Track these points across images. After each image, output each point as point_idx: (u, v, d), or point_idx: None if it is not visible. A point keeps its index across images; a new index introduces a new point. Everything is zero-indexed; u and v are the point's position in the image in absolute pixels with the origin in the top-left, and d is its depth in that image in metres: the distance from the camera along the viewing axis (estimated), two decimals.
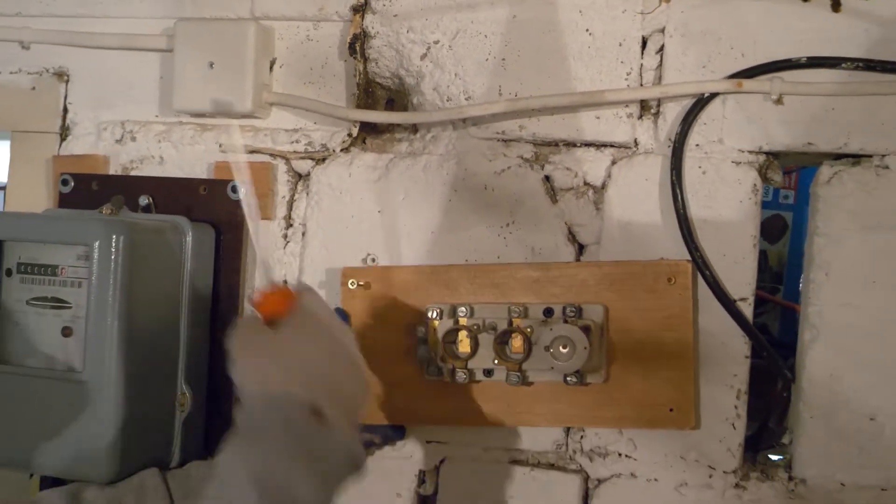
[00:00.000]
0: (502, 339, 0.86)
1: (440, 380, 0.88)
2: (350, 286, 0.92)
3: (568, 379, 0.84)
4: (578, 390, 0.85)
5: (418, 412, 0.91)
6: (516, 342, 0.85)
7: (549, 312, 0.86)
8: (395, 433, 0.93)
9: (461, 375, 0.87)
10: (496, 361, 0.86)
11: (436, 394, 0.90)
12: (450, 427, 0.93)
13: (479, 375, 0.87)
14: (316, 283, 0.97)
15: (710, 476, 0.87)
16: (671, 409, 0.85)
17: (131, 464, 0.84)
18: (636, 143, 0.90)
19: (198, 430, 0.93)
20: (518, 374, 0.85)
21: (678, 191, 0.87)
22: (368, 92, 0.98)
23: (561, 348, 0.82)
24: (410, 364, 0.90)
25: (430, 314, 0.88)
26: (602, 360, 0.85)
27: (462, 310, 0.87)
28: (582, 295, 0.86)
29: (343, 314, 0.91)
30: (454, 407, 0.90)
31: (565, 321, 0.84)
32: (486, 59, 0.92)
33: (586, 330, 0.83)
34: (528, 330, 0.85)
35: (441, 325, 0.87)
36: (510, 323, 0.86)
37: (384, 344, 0.91)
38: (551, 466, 0.92)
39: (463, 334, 0.87)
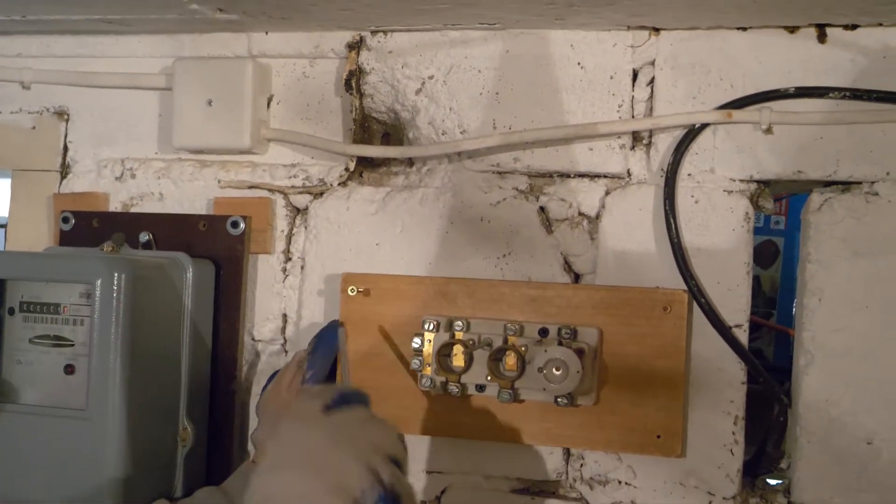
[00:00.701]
0: (496, 356, 0.86)
1: (433, 391, 0.89)
2: (350, 292, 0.92)
3: (559, 400, 0.84)
4: (568, 411, 0.86)
5: (410, 422, 0.91)
6: (510, 360, 0.86)
7: (544, 332, 0.86)
8: None
9: (453, 389, 0.87)
10: (489, 378, 0.87)
11: (428, 405, 0.91)
12: (450, 455, 0.94)
13: (472, 390, 0.88)
14: (314, 301, 0.98)
15: (710, 502, 0.88)
16: (658, 436, 0.86)
17: (134, 500, 0.84)
18: (629, 173, 0.91)
19: (199, 465, 0.93)
20: (510, 391, 0.86)
21: (671, 220, 0.88)
22: (364, 127, 0.99)
23: (554, 370, 0.82)
24: (405, 374, 0.90)
25: (426, 326, 0.88)
26: (593, 382, 0.86)
27: (458, 324, 0.88)
28: (577, 317, 0.87)
29: (335, 329, 0.91)
30: (446, 419, 0.91)
31: (560, 343, 0.85)
32: (480, 94, 0.93)
33: (580, 353, 0.83)
34: (523, 349, 0.86)
35: (437, 338, 0.88)
36: (505, 340, 0.87)
37: (380, 351, 0.92)
38: (552, 495, 0.92)
39: (458, 348, 0.87)
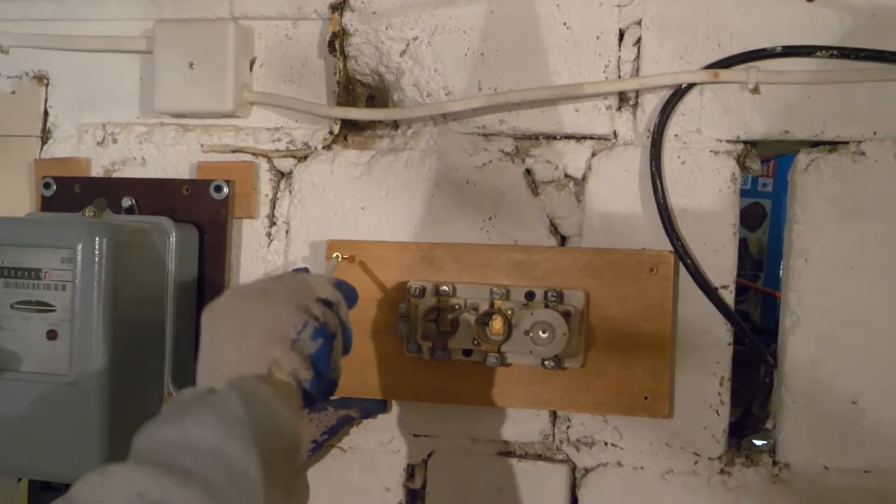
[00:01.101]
0: (483, 321, 0.86)
1: (419, 357, 0.88)
2: (334, 259, 0.91)
3: (546, 363, 0.83)
4: (555, 374, 0.86)
5: (397, 387, 0.91)
6: (496, 324, 0.85)
7: (530, 296, 0.86)
8: (375, 407, 0.93)
9: (440, 354, 0.87)
10: (476, 342, 0.86)
11: (415, 370, 0.90)
12: (437, 419, 0.93)
13: (458, 355, 0.87)
14: (299, 265, 0.96)
15: (696, 463, 0.88)
16: (646, 398, 0.85)
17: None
18: (615, 134, 0.90)
19: None
20: (497, 355, 0.85)
21: (658, 181, 0.87)
22: (349, 89, 0.97)
23: (541, 333, 0.82)
24: (391, 339, 0.90)
25: (412, 291, 0.87)
26: (580, 345, 0.85)
27: (445, 288, 0.87)
28: (564, 280, 0.86)
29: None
30: (432, 384, 0.90)
31: (546, 305, 0.84)
32: (465, 55, 0.92)
33: (566, 315, 0.83)
34: (509, 312, 0.85)
35: (423, 303, 0.87)
36: (492, 304, 0.86)
37: (366, 318, 0.91)
38: (539, 457, 0.92)
39: (444, 313, 0.86)
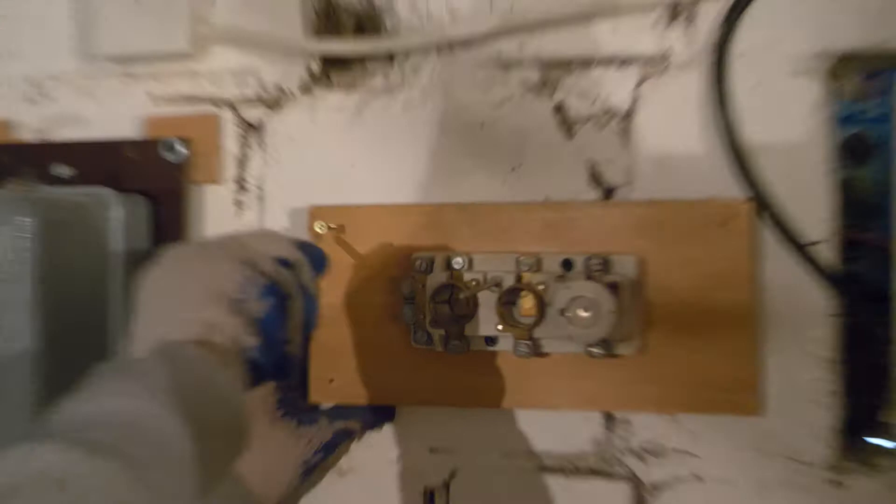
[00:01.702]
0: (508, 299, 0.87)
1: (430, 349, 0.90)
2: (318, 230, 0.93)
3: (591, 350, 0.85)
4: (606, 364, 0.87)
5: (404, 390, 0.92)
6: (526, 303, 0.86)
7: (568, 265, 0.87)
8: (379, 416, 0.96)
9: (455, 344, 0.88)
10: (500, 327, 0.87)
11: (425, 366, 0.92)
12: (458, 428, 0.96)
13: (479, 344, 0.89)
14: None
15: (797, 472, 0.89)
16: (727, 390, 0.86)
17: None
18: (666, 55, 0.93)
19: None
20: (528, 342, 0.86)
21: (724, 112, 0.89)
22: (330, 17, 1.01)
23: (581, 312, 0.82)
24: (394, 329, 0.92)
25: (417, 266, 0.89)
26: (635, 325, 0.87)
27: (458, 261, 0.89)
28: (610, 243, 0.88)
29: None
30: (449, 383, 0.91)
31: (588, 277, 0.85)
32: None
33: (614, 288, 0.83)
34: (541, 287, 0.86)
35: (431, 280, 0.89)
36: (518, 278, 0.87)
37: (361, 303, 0.93)
38: (592, 472, 0.94)
39: (459, 292, 0.88)
